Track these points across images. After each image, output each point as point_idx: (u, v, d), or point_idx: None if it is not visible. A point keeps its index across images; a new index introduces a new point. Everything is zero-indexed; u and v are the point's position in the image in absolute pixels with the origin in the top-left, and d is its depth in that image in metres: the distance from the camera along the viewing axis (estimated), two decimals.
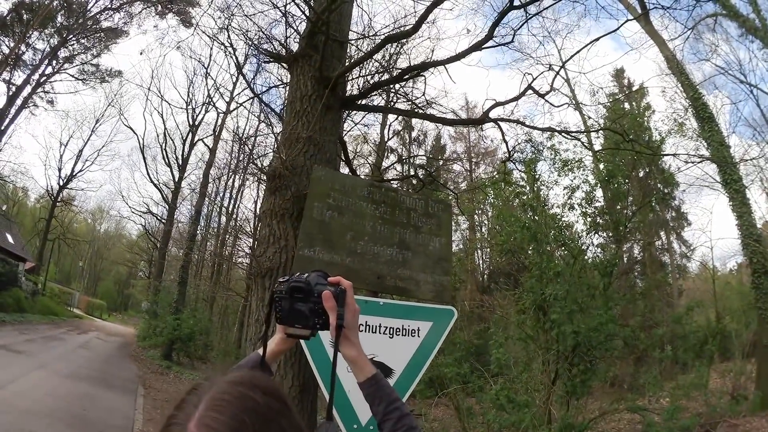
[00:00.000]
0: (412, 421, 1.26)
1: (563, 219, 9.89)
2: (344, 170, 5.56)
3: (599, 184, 9.64)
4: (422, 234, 3.57)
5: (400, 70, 5.52)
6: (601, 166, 9.76)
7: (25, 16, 28.61)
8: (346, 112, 7.02)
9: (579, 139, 6.71)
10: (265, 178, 4.11)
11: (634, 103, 24.58)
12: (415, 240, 3.53)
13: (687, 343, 11.95)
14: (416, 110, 6.26)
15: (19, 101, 30.17)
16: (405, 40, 6.68)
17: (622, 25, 6.15)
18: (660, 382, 10.30)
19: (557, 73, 5.71)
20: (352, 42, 5.96)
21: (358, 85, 6.33)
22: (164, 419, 0.80)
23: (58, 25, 30.74)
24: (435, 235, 3.60)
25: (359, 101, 4.94)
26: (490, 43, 4.63)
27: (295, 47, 5.17)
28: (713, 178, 16.02)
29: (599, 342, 8.19)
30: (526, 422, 8.11)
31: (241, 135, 24.58)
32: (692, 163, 15.47)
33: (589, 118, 14.01)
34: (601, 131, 10.00)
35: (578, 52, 5.84)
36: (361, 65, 5.76)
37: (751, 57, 17.27)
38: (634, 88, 25.37)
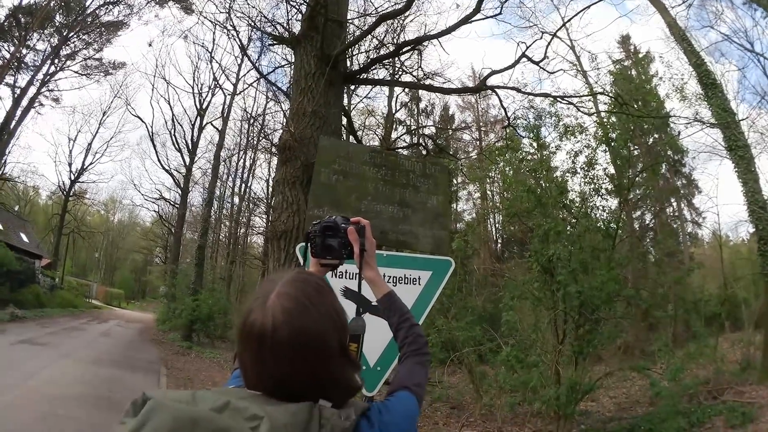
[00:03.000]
0: (420, 330, 1.62)
1: (567, 182, 10.04)
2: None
3: (600, 147, 9.77)
4: (421, 193, 3.90)
5: (396, 45, 5.77)
6: (600, 131, 9.87)
7: (23, 19, 28.46)
8: (353, 86, 7.27)
9: (574, 104, 6.93)
10: (276, 151, 4.46)
11: (640, 69, 24.42)
12: (414, 198, 3.86)
13: (697, 311, 12.05)
14: (417, 82, 6.51)
15: (24, 102, 30.22)
16: (404, 17, 6.90)
17: None
18: (671, 348, 10.49)
19: (550, 40, 5.94)
20: (351, 21, 6.21)
21: (359, 62, 6.58)
22: (250, 299, 1.13)
23: (57, 24, 30.68)
24: (432, 193, 3.92)
25: (360, 76, 5.22)
26: (480, 15, 4.86)
27: (297, 27, 5.45)
28: (720, 144, 15.89)
29: (602, 301, 8.42)
30: (533, 382, 8.43)
31: (250, 114, 24.91)
32: (690, 126, 15.45)
33: (596, 83, 14.03)
34: (605, 97, 10.07)
35: (570, 19, 6.11)
36: (360, 42, 6.02)
37: (755, 24, 17.02)
38: (639, 55, 25.15)
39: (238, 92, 27.56)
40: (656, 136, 22.21)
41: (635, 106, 10.11)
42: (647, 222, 26.89)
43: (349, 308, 3.23)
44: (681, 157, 23.98)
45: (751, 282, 15.21)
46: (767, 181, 17.70)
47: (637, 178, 11.94)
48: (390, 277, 3.42)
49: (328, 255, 1.65)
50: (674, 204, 27.90)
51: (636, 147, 16.01)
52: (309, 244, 1.65)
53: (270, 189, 25.24)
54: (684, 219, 27.84)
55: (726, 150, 13.67)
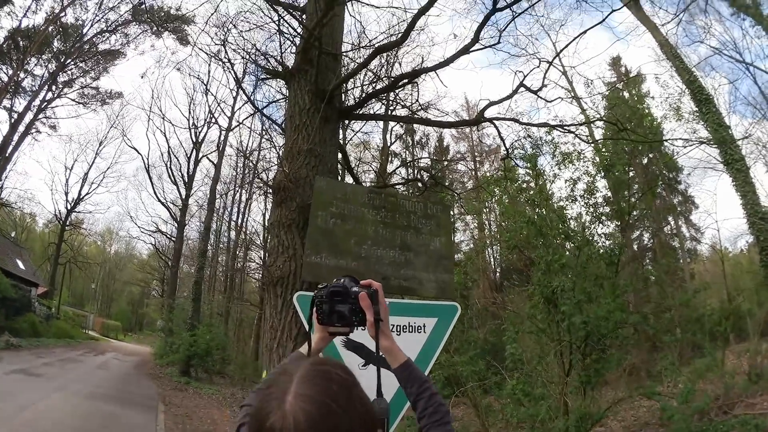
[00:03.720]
0: (441, 399, 1.46)
1: (567, 211, 9.96)
2: (347, 179, 5.72)
3: (599, 174, 9.72)
4: (423, 235, 3.72)
5: (392, 79, 5.68)
6: (597, 158, 9.84)
7: (21, 42, 28.66)
8: (346, 121, 7.18)
9: (574, 133, 6.82)
10: (270, 191, 4.31)
11: (633, 91, 24.57)
12: (416, 241, 3.69)
13: (701, 327, 11.91)
14: (413, 116, 6.41)
15: (21, 128, 30.19)
16: (398, 49, 6.84)
17: (609, 15, 6.17)
18: (677, 367, 10.30)
19: (547, 69, 5.86)
20: (346, 54, 6.12)
21: (354, 96, 6.48)
22: (260, 397, 0.99)
23: (55, 50, 30.85)
24: (435, 235, 3.75)
25: (356, 111, 5.10)
26: (478, 45, 4.77)
27: (291, 60, 5.35)
28: (716, 159, 15.96)
29: (609, 330, 8.26)
30: (541, 414, 8.21)
31: (244, 150, 24.89)
32: (688, 146, 15.50)
33: (590, 108, 14.11)
34: (599, 122, 10.06)
35: (567, 46, 5.99)
36: (355, 76, 5.93)
37: (744, 35, 17.24)
38: (631, 76, 25.34)
39: (232, 127, 27.58)
40: (651, 155, 22.30)
41: (629, 127, 10.09)
42: (645, 242, 26.83)
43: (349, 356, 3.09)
44: (676, 174, 24.05)
45: (754, 292, 15.11)
46: (766, 192, 17.80)
47: (635, 201, 11.90)
48: (393, 325, 3.22)
49: (337, 322, 1.49)
50: (672, 222, 27.85)
51: (631, 168, 16.02)
52: (315, 310, 1.49)
53: (265, 226, 25.20)
54: (683, 237, 27.73)
55: (723, 164, 13.72)
